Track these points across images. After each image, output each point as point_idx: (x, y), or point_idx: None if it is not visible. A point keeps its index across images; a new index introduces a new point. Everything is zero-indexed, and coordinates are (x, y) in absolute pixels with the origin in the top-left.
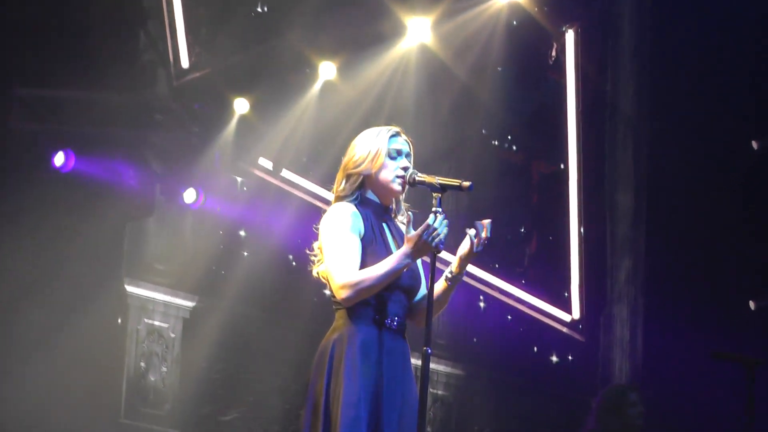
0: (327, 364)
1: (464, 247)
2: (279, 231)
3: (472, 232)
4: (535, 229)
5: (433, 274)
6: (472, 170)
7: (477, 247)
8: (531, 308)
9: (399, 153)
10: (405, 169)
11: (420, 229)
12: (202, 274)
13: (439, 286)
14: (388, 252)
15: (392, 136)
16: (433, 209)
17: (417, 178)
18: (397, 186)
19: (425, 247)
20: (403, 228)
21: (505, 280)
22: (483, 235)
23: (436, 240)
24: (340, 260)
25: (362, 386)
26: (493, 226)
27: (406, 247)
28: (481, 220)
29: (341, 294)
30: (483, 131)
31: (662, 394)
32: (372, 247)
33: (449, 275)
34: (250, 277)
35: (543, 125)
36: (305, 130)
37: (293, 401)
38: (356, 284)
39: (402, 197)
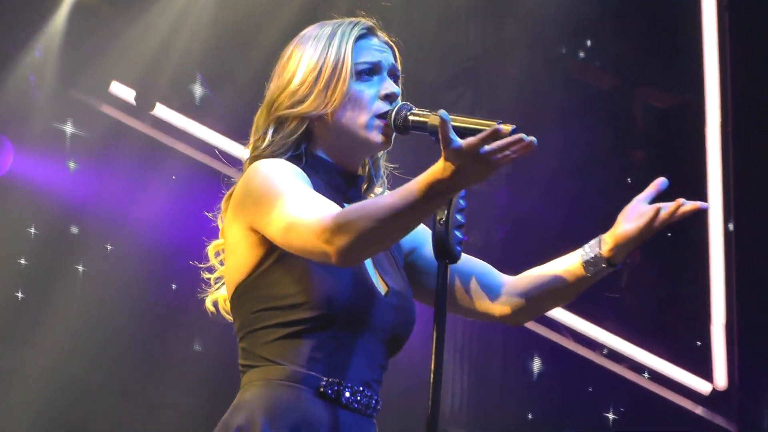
0: None
1: (641, 214)
2: (146, 223)
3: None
4: None
5: (443, 302)
6: (512, 105)
7: (657, 223)
8: (632, 368)
9: (375, 69)
10: (389, 98)
11: (481, 135)
12: None
13: (564, 268)
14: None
15: (361, 37)
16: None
17: (412, 118)
18: (375, 136)
19: (481, 170)
20: None
21: (582, 317)
22: (680, 206)
23: (499, 161)
24: (297, 197)
25: None
26: (557, 210)
27: (444, 165)
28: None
29: (334, 244)
30: (531, 32)
31: None
32: None
33: (594, 256)
34: (88, 312)
35: (653, 16)
36: (195, 30)
37: None
38: (348, 224)
39: (382, 155)
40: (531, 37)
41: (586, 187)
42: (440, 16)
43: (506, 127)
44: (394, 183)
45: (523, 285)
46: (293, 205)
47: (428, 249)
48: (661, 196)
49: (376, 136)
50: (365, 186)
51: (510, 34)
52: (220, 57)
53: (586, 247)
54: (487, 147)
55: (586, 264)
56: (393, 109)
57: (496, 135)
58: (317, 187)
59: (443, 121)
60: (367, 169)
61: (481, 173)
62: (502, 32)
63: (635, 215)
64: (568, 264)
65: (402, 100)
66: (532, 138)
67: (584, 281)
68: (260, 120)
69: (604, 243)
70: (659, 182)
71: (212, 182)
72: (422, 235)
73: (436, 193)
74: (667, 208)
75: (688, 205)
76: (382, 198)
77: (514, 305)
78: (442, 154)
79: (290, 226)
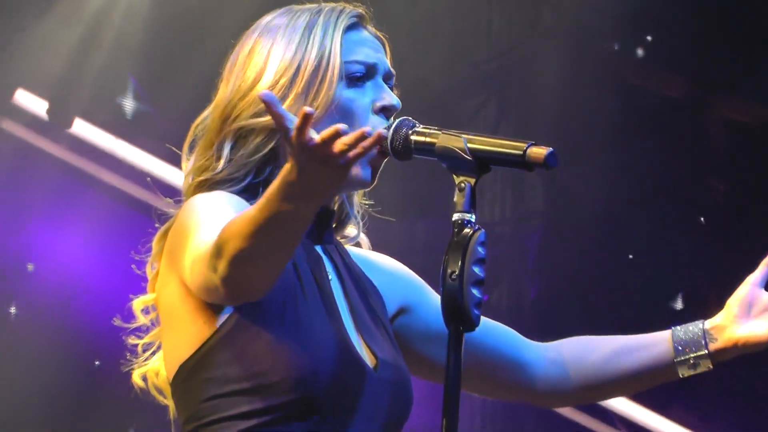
0: None
1: (765, 307)
2: (60, 275)
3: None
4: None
5: (456, 382)
6: (547, 119)
7: None
8: None
9: (369, 72)
10: (386, 112)
11: (325, 133)
12: None
13: (641, 360)
14: (333, 317)
15: (350, 28)
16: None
17: (416, 138)
18: (361, 168)
19: (326, 170)
20: (360, 252)
21: (641, 404)
22: None
23: (340, 157)
24: (207, 226)
25: None
26: (606, 260)
27: (290, 163)
28: None
29: (218, 271)
30: (574, 22)
31: None
32: (292, 308)
33: (695, 358)
34: None
35: (735, 6)
36: (126, 23)
37: None
38: (221, 245)
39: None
40: (573, 29)
41: (644, 228)
42: (452, 3)
43: (538, 151)
44: (375, 226)
45: (571, 362)
46: (200, 237)
47: (427, 308)
48: None
49: (365, 173)
50: (334, 224)
51: (545, 25)
52: (159, 58)
53: (680, 337)
54: (317, 139)
55: (681, 365)
56: (390, 127)
57: (337, 134)
58: None
59: (268, 104)
60: (340, 206)
61: (329, 174)
62: (534, 23)
63: (758, 308)
64: (651, 356)
65: (399, 114)
66: (382, 131)
67: (669, 377)
68: (211, 133)
69: (712, 340)
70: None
71: (147, 221)
72: (415, 290)
73: (291, 196)
74: None
75: None
76: (247, 209)
77: (555, 385)
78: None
79: (192, 263)
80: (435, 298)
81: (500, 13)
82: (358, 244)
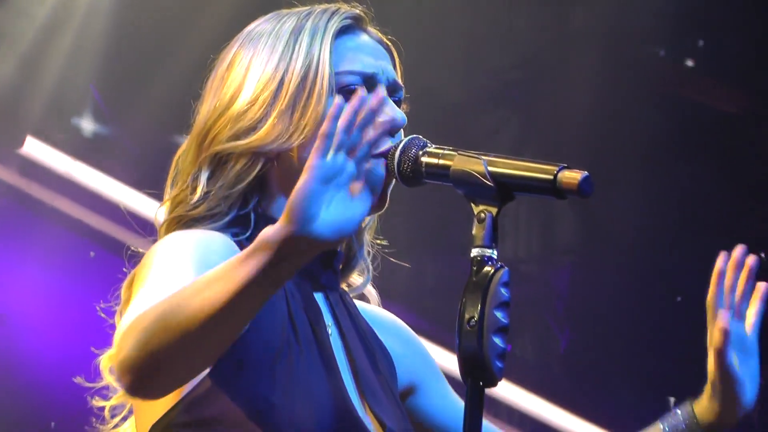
0: None
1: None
2: (10, 324)
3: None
4: None
5: None
6: (580, 137)
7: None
8: None
9: (368, 83)
10: (389, 129)
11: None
12: None
13: None
14: (333, 377)
15: (343, 32)
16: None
17: (427, 161)
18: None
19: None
20: (369, 309)
21: None
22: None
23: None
24: (154, 288)
25: None
26: (648, 304)
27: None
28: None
29: (118, 361)
30: (611, 25)
31: None
32: (285, 366)
33: None
34: None
35: None
36: (87, 26)
37: None
38: (136, 325)
39: (370, 222)
40: (609, 32)
41: (695, 265)
42: (467, 4)
43: (572, 176)
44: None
45: None
46: (136, 306)
47: (437, 393)
48: None
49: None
50: (341, 270)
51: (576, 27)
52: (124, 67)
53: (670, 421)
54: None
55: None
56: (397, 147)
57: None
58: None
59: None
60: (347, 246)
61: (314, 241)
62: (563, 25)
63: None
64: None
65: (406, 133)
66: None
67: None
68: (186, 161)
69: (700, 410)
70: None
71: (111, 260)
72: (428, 368)
73: (273, 277)
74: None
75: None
76: (200, 279)
77: None
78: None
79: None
80: (445, 383)
81: (523, 13)
82: (362, 296)
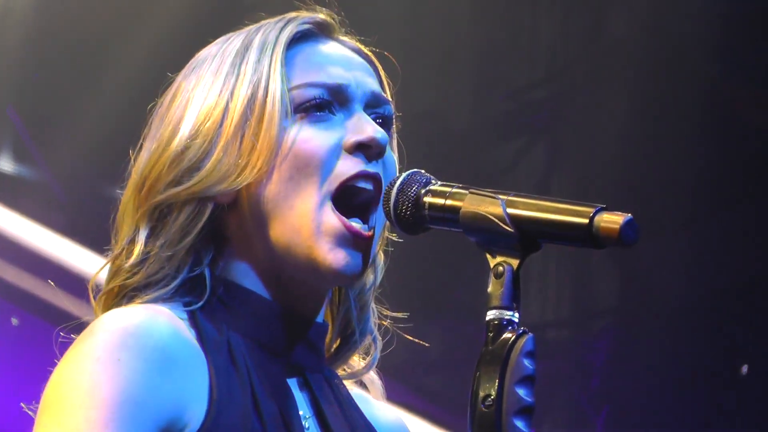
0: None
1: None
2: None
3: None
4: None
5: None
6: (616, 172)
7: None
8: None
9: (337, 97)
10: (366, 150)
11: None
12: None
13: None
14: None
15: (300, 39)
16: None
17: (430, 201)
18: (333, 251)
19: None
20: (368, 400)
21: None
22: None
23: None
24: None
25: None
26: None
27: None
28: None
29: None
30: (653, 33)
31: None
32: None
33: None
34: None
35: None
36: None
37: None
38: None
39: (372, 285)
40: (652, 41)
41: (762, 331)
42: (479, 6)
43: (612, 220)
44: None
45: None
46: None
47: None
48: None
49: (337, 257)
50: (335, 344)
51: (613, 35)
52: (50, 88)
53: None
54: None
55: None
56: (393, 185)
57: None
58: (230, 363)
59: None
60: (337, 310)
61: None
62: (597, 33)
63: None
64: None
65: (404, 167)
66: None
67: None
68: (124, 216)
69: None
70: None
71: (41, 337)
72: None
73: None
74: None
75: None
76: None
77: None
78: None
79: None
80: None
81: (549, 19)
82: (361, 384)
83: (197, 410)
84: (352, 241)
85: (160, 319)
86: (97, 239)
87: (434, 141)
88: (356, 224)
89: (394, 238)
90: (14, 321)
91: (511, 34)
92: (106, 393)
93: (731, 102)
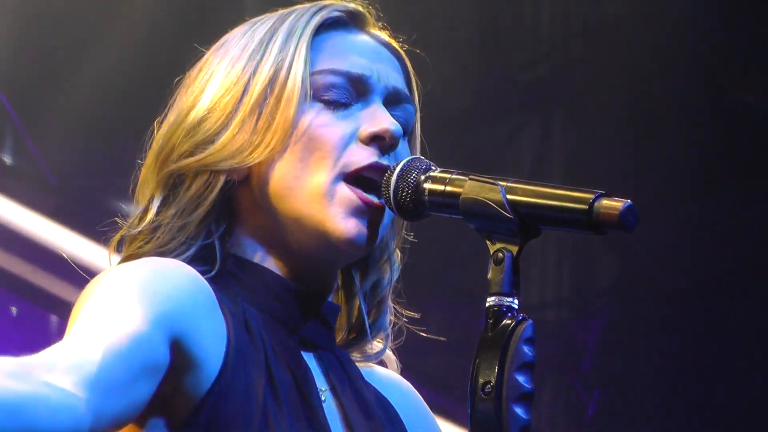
0: None
1: None
2: None
3: None
4: None
5: None
6: (618, 156)
7: None
8: None
9: (358, 87)
10: (379, 143)
11: None
12: None
13: None
14: None
15: (328, 27)
16: None
17: (430, 187)
18: (346, 223)
19: None
20: (379, 372)
21: None
22: None
23: None
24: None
25: None
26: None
27: None
28: None
29: None
30: (647, 7)
31: None
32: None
33: None
34: None
35: None
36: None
37: None
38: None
39: (390, 281)
40: (654, 18)
41: (762, 319)
42: None
43: (613, 205)
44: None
45: None
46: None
47: None
48: None
49: (348, 225)
50: (350, 335)
51: (612, 12)
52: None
53: None
54: None
55: None
56: (393, 171)
57: None
58: (250, 322)
59: None
60: (347, 289)
61: None
62: (594, 11)
63: None
64: None
65: (406, 151)
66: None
67: None
68: (143, 185)
69: None
70: None
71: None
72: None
73: None
74: None
75: None
76: None
77: None
78: None
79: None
80: None
81: None
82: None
83: (212, 360)
84: (365, 211)
85: (188, 268)
86: (87, 223)
87: (431, 124)
88: (369, 196)
89: (410, 238)
90: (13, 310)
91: (506, 14)
92: (135, 289)
93: (729, 83)
